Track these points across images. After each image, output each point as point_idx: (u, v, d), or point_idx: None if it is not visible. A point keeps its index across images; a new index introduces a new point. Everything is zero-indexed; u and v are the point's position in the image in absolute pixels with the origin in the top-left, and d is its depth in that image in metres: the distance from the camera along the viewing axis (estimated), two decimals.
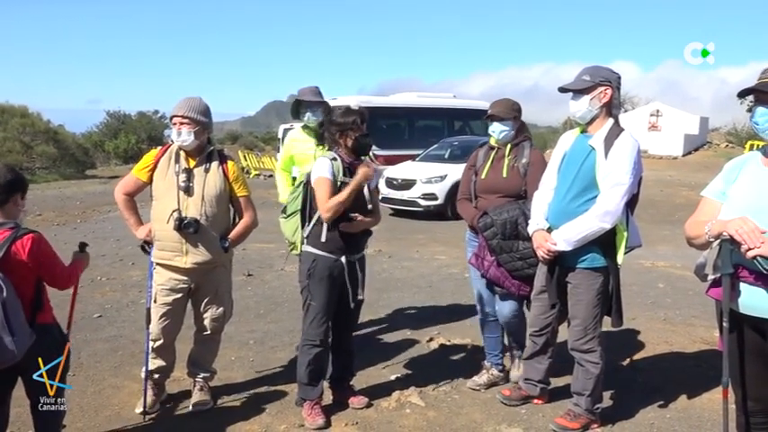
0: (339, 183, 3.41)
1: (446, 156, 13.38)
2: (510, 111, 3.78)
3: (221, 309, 3.67)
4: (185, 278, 3.54)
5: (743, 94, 2.52)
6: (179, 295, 3.56)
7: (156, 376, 3.66)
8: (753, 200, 2.35)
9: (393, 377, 4.18)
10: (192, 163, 3.51)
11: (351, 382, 3.85)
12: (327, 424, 3.48)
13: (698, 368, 4.37)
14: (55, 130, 27.53)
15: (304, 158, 4.40)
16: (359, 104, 14.17)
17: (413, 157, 13.94)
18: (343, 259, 3.45)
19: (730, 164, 2.56)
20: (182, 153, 3.52)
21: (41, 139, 25.48)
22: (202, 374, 3.74)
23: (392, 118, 17.07)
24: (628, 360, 4.51)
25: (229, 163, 3.62)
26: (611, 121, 3.26)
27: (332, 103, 16.12)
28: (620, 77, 3.29)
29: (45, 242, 2.72)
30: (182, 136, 3.43)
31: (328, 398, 3.74)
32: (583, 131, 3.37)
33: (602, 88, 3.22)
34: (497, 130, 3.79)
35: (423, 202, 12.27)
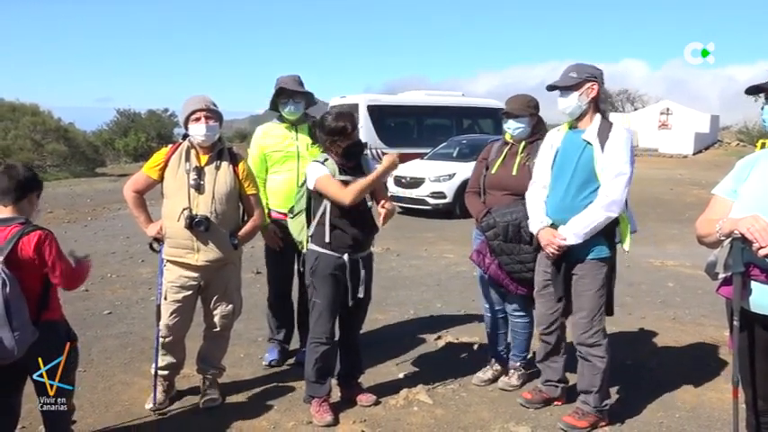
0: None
1: (454, 154, 13.37)
2: (525, 108, 3.75)
3: (231, 306, 3.68)
4: (196, 275, 3.55)
5: (751, 92, 2.52)
6: (189, 292, 3.57)
7: (166, 373, 3.68)
8: (764, 198, 2.34)
9: (401, 375, 4.19)
10: (204, 161, 3.52)
11: (359, 380, 3.86)
12: (335, 421, 3.49)
13: (707, 367, 4.35)
14: (65, 128, 27.72)
15: (283, 157, 4.10)
16: (367, 102, 14.12)
17: (421, 156, 13.94)
18: (345, 257, 3.44)
19: (742, 162, 2.55)
20: (192, 151, 3.52)
21: (52, 137, 25.66)
22: (211, 371, 3.75)
23: (400, 116, 17.05)
24: (637, 359, 4.49)
25: (240, 161, 3.63)
26: (599, 115, 3.32)
27: (340, 102, 16.13)
28: (602, 73, 3.34)
29: (53, 240, 2.72)
30: (211, 130, 3.46)
31: (336, 395, 3.75)
32: (571, 127, 3.40)
33: (590, 84, 3.27)
34: (512, 127, 3.78)
35: (431, 201, 12.25)
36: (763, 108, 2.49)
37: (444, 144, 14.21)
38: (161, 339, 3.60)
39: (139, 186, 3.58)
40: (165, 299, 3.57)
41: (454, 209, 11.94)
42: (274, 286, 4.35)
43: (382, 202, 3.59)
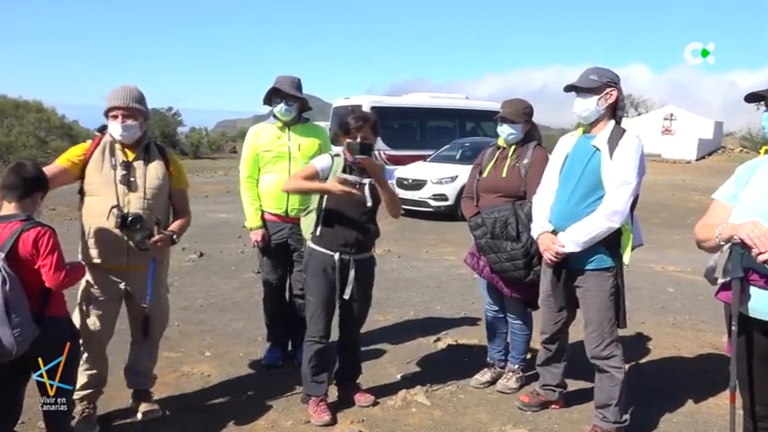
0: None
1: (457, 157, 13.38)
2: (521, 114, 3.77)
3: (160, 310, 3.46)
4: (123, 279, 3.28)
5: (750, 99, 2.52)
6: (115, 300, 3.32)
7: (89, 392, 3.32)
8: (764, 203, 2.34)
9: (399, 376, 4.19)
10: (131, 156, 3.28)
11: (357, 380, 3.86)
12: (333, 421, 3.49)
13: (706, 373, 4.35)
14: (69, 125, 27.75)
15: (275, 157, 4.07)
16: (371, 104, 14.16)
17: (424, 158, 13.96)
18: (336, 256, 3.44)
19: (742, 167, 2.55)
20: (117, 146, 3.27)
21: (56, 134, 25.68)
22: (142, 381, 3.54)
23: (404, 118, 17.10)
24: (635, 364, 4.48)
25: (170, 155, 3.45)
26: (613, 122, 3.23)
27: (344, 103, 16.23)
28: (620, 80, 3.27)
29: (51, 236, 2.70)
30: (128, 130, 3.20)
31: (334, 395, 3.76)
32: (584, 132, 3.35)
33: (609, 89, 3.19)
34: (506, 132, 3.79)
35: (433, 203, 12.27)
36: (763, 115, 2.50)
37: (447, 146, 14.23)
38: (80, 349, 3.15)
39: (51, 174, 3.05)
40: (89, 305, 3.26)
41: (456, 211, 11.95)
42: (269, 287, 4.34)
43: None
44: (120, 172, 3.22)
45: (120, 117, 3.19)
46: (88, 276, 3.23)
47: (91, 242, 3.20)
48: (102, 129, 3.33)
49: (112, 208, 3.16)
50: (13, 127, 24.51)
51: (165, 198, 3.38)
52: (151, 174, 3.29)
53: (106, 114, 3.25)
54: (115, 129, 3.21)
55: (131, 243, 3.20)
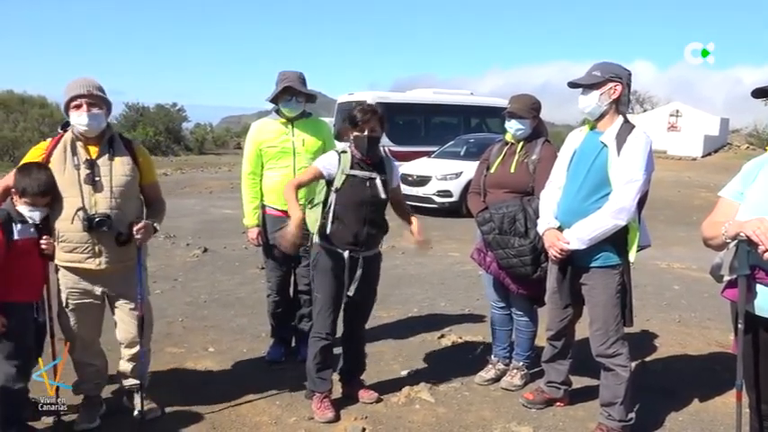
0: (345, 175, 3.40)
1: (462, 153, 13.35)
2: (529, 110, 3.75)
3: (146, 311, 3.35)
4: (99, 282, 3.17)
5: (757, 95, 2.50)
6: (94, 300, 3.21)
7: (88, 386, 3.32)
8: None
9: (403, 373, 4.18)
10: (94, 153, 3.12)
11: (361, 377, 3.86)
12: (337, 417, 3.49)
13: (712, 371, 4.32)
14: None
15: (279, 153, 4.05)
16: (375, 100, 14.11)
17: (428, 154, 13.94)
18: (345, 254, 3.43)
19: (749, 165, 2.53)
20: (78, 143, 3.12)
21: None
22: (133, 383, 3.43)
23: (408, 114, 17.06)
24: (641, 362, 4.46)
25: (136, 147, 3.31)
26: (621, 117, 3.20)
27: (348, 99, 16.22)
28: (630, 74, 3.22)
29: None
30: (94, 119, 3.05)
31: (338, 391, 3.75)
32: (592, 128, 3.31)
33: (612, 84, 3.15)
34: (514, 128, 3.77)
35: (438, 199, 12.25)
36: None
37: (452, 142, 14.22)
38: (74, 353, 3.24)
39: (11, 184, 3.03)
40: (67, 307, 3.18)
41: (460, 208, 11.94)
42: (273, 283, 4.32)
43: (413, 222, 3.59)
44: (83, 171, 3.06)
45: (84, 106, 3.03)
46: (62, 280, 3.14)
47: (61, 246, 3.07)
48: (66, 126, 3.19)
49: (77, 210, 3.02)
50: (18, 122, 24.60)
51: (135, 194, 3.25)
52: (117, 170, 3.13)
53: (67, 107, 3.10)
54: (81, 119, 3.05)
55: (101, 246, 3.07)
